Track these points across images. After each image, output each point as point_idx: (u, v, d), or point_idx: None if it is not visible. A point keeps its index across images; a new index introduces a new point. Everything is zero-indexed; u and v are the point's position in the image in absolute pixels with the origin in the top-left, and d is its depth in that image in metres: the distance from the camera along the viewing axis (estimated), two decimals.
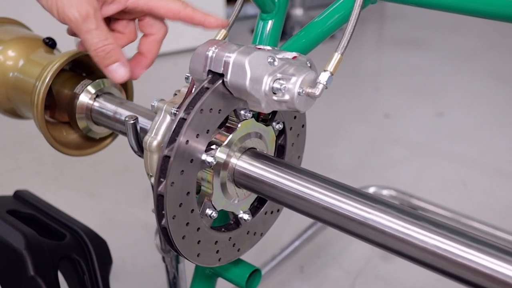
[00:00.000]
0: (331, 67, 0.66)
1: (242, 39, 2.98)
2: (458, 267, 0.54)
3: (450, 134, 2.17)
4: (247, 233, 0.76)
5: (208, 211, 0.69)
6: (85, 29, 0.61)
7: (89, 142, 0.91)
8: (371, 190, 1.66)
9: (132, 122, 0.73)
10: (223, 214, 0.76)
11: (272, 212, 0.78)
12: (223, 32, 0.76)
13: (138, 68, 0.71)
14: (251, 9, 0.73)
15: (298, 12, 3.26)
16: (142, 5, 0.66)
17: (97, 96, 0.85)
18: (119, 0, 0.66)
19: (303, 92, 0.63)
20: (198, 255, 0.69)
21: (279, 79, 0.63)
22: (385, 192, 1.65)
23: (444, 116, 2.31)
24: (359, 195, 0.61)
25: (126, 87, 0.91)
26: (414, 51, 3.01)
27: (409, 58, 2.93)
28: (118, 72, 0.66)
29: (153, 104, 0.70)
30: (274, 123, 0.73)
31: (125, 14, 0.70)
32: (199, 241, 0.69)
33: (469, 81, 2.66)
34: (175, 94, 0.72)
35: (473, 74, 2.72)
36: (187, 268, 0.95)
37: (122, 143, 0.97)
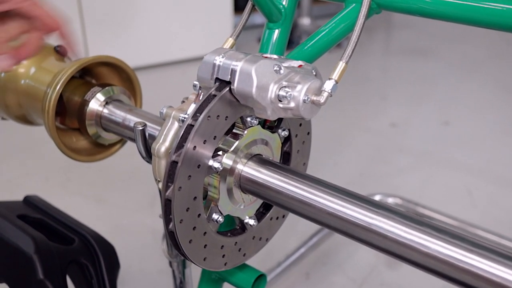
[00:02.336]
0: (336, 75, 0.67)
1: (249, 48, 3.00)
2: (461, 272, 0.55)
3: (456, 143, 2.18)
4: (253, 238, 0.77)
5: (215, 216, 0.70)
6: None
7: (99, 148, 0.92)
8: (377, 198, 1.66)
9: (141, 128, 0.74)
10: (229, 219, 0.77)
11: (277, 218, 0.80)
12: (230, 41, 0.77)
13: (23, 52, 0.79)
14: (259, 18, 0.74)
15: (305, 21, 3.27)
16: (24, 12, 0.74)
17: (107, 103, 0.87)
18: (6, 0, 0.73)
19: (308, 99, 0.65)
20: (204, 259, 0.71)
21: (285, 87, 0.65)
22: (390, 200, 1.66)
23: (450, 125, 2.32)
24: (363, 201, 0.62)
25: (135, 94, 0.93)
26: (420, 60, 3.02)
27: (416, 67, 2.94)
28: (2, 62, 0.75)
29: (161, 111, 0.71)
30: (280, 130, 0.74)
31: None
32: (205, 245, 0.70)
33: (475, 90, 2.66)
34: (183, 101, 0.74)
35: (479, 83, 2.72)
36: (194, 273, 0.96)
37: (129, 149, 0.98)
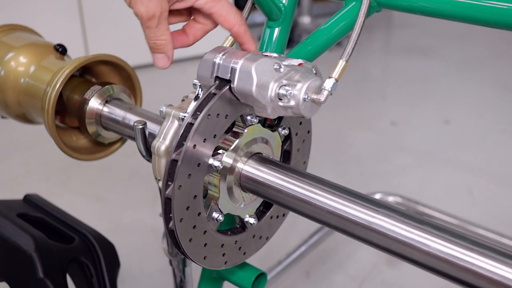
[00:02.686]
0: (336, 74, 0.67)
1: None
2: (461, 271, 0.54)
3: (456, 142, 2.18)
4: (253, 237, 0.77)
5: (215, 215, 0.70)
6: (147, 25, 0.70)
7: (98, 147, 0.92)
8: (377, 196, 1.66)
9: (140, 127, 0.74)
10: (229, 217, 0.77)
11: (277, 217, 0.80)
12: (230, 39, 0.77)
13: (177, 42, 0.77)
14: (259, 17, 0.74)
15: (305, 20, 3.27)
16: (206, 8, 0.72)
17: (107, 101, 0.87)
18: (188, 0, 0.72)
19: (309, 98, 0.65)
20: (204, 258, 0.71)
21: (285, 85, 0.65)
22: (391, 198, 1.66)
23: (451, 123, 2.32)
24: (363, 199, 0.62)
25: (135, 93, 0.93)
26: (421, 59, 3.02)
27: (416, 66, 2.94)
28: (160, 60, 0.73)
29: (161, 109, 0.71)
30: (280, 129, 0.74)
31: (189, 10, 0.77)
32: (205, 244, 0.70)
33: (476, 89, 2.66)
34: (183, 100, 0.74)
35: (480, 82, 2.72)
36: (194, 272, 0.96)
37: (130, 147, 0.98)
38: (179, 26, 0.78)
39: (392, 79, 2.88)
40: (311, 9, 3.28)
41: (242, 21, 0.73)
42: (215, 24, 0.76)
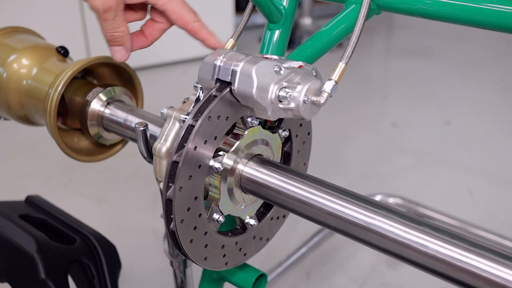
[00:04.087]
0: (335, 76, 0.67)
1: (251, 48, 3.01)
2: (459, 272, 0.55)
3: (457, 143, 2.18)
4: (253, 238, 0.77)
5: (215, 216, 0.71)
6: (103, 17, 0.72)
7: (100, 149, 0.93)
8: (377, 198, 1.66)
9: (142, 128, 0.74)
10: (230, 219, 0.78)
11: (278, 218, 0.80)
12: (231, 41, 0.78)
13: (135, 44, 0.78)
14: (260, 18, 0.75)
15: (306, 21, 3.28)
16: (160, 5, 0.74)
17: (108, 103, 0.87)
18: None
19: (309, 100, 0.65)
20: (205, 259, 0.71)
21: (285, 87, 0.65)
22: (391, 200, 1.66)
23: (451, 125, 2.32)
24: (362, 201, 0.63)
25: (136, 94, 0.93)
26: (421, 60, 3.02)
27: (417, 67, 2.94)
28: (118, 53, 0.76)
29: (162, 111, 0.72)
30: (280, 131, 0.75)
31: (144, 8, 0.79)
32: (206, 245, 0.70)
33: (476, 90, 2.66)
34: (184, 102, 0.74)
35: (481, 83, 2.73)
36: (195, 273, 0.97)
37: (131, 149, 0.99)
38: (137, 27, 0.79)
39: (392, 80, 2.88)
40: (312, 10, 3.29)
41: (195, 18, 0.75)
42: (171, 23, 0.78)
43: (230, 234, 0.75)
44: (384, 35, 3.53)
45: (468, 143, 2.18)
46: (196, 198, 0.67)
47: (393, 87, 2.79)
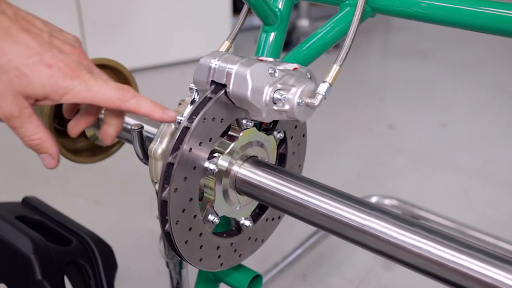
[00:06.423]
0: (329, 78, 0.68)
1: (247, 49, 3.01)
2: (452, 273, 0.55)
3: (453, 145, 2.19)
4: (249, 239, 0.78)
5: (210, 217, 0.71)
6: (10, 126, 0.65)
7: (96, 150, 0.93)
8: (373, 199, 1.67)
9: (138, 130, 0.75)
10: (225, 220, 0.78)
11: (273, 219, 0.80)
12: (226, 44, 0.78)
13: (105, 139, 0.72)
14: (257, 20, 0.75)
15: (303, 23, 3.28)
16: (79, 99, 0.64)
17: None
18: (52, 98, 0.65)
19: (303, 102, 0.66)
20: (200, 260, 0.71)
21: (280, 89, 0.66)
22: (387, 201, 1.66)
23: (448, 126, 2.33)
24: (356, 202, 0.63)
25: None
26: (418, 62, 3.03)
27: (414, 69, 2.95)
28: (45, 160, 0.70)
29: None
30: (275, 132, 0.75)
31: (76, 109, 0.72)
32: (201, 246, 0.71)
33: (473, 92, 2.67)
34: (180, 104, 0.75)
35: (477, 85, 2.73)
36: (190, 274, 0.97)
37: (127, 151, 0.99)
38: None
39: (389, 82, 2.89)
40: (309, 12, 3.30)
41: (130, 95, 0.63)
42: (120, 125, 0.71)
43: (225, 235, 0.75)
44: (381, 37, 3.54)
45: (465, 144, 2.19)
46: (191, 199, 0.67)
47: (389, 88, 2.79)
